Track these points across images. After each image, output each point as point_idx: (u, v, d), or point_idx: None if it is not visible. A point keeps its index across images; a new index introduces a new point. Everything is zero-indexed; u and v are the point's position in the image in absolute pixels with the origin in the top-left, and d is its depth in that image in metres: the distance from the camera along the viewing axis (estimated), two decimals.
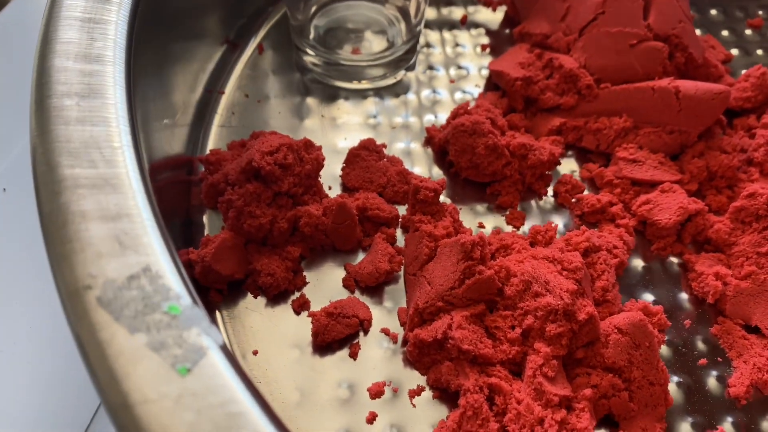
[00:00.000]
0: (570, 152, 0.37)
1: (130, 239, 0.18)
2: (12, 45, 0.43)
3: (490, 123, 0.34)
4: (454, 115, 0.36)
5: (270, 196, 0.30)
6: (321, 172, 0.34)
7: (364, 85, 0.39)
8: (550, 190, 0.35)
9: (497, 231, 0.33)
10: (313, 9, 0.38)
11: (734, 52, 0.44)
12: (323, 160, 0.32)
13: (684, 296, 0.32)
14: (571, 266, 0.28)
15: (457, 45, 0.42)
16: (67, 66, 0.22)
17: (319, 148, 0.32)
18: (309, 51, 0.38)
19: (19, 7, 0.44)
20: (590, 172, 0.36)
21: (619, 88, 0.35)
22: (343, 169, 0.35)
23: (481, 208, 0.35)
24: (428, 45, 0.42)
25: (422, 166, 0.36)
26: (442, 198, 0.35)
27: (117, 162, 0.20)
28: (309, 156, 0.31)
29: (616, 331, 0.28)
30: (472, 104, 0.37)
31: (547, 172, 0.35)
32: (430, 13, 0.44)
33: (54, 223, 0.19)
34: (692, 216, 0.33)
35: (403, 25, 0.39)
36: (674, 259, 0.33)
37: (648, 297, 0.32)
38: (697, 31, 0.45)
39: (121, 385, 0.16)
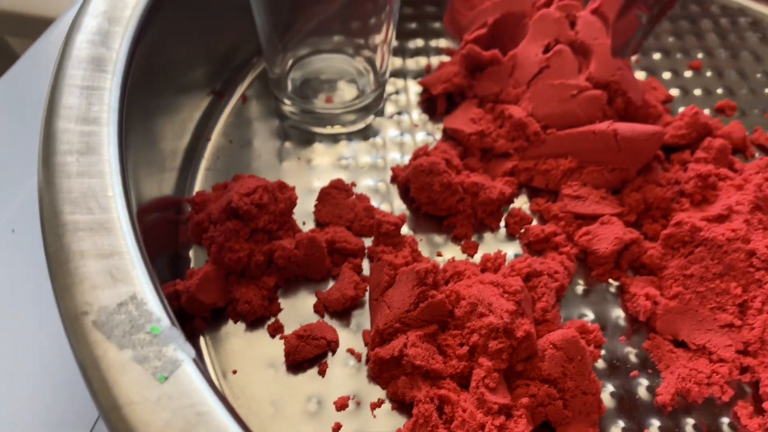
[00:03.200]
0: (522, 189, 0.41)
1: (120, 273, 0.22)
2: (19, 97, 0.47)
3: (446, 163, 0.38)
4: (415, 156, 0.40)
5: (248, 233, 0.34)
6: (296, 209, 0.38)
7: (336, 129, 0.43)
8: (502, 223, 0.39)
9: (452, 259, 0.37)
10: (290, 63, 0.43)
11: (675, 92, 0.48)
12: (296, 199, 0.36)
13: (621, 315, 0.36)
14: (511, 289, 0.32)
15: (423, 92, 0.46)
16: (69, 128, 0.26)
17: (293, 188, 0.36)
18: (286, 101, 0.43)
19: (29, 63, 0.49)
20: (539, 206, 0.40)
21: (563, 133, 0.40)
22: (315, 206, 0.39)
23: (439, 239, 0.38)
24: (396, 92, 0.46)
25: (388, 202, 0.40)
26: (405, 230, 0.39)
27: (110, 209, 0.24)
28: (283, 196, 0.35)
29: (551, 346, 0.31)
30: (432, 146, 0.41)
31: (499, 209, 0.39)
32: (398, 63, 0.48)
33: (57, 261, 0.23)
34: (628, 245, 0.37)
35: (371, 75, 0.44)
36: (613, 282, 0.37)
37: (589, 316, 0.36)
38: (642, 74, 0.49)
39: (111, 391, 0.20)
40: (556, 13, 0.41)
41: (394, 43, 0.49)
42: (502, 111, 0.40)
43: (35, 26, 0.59)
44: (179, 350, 0.21)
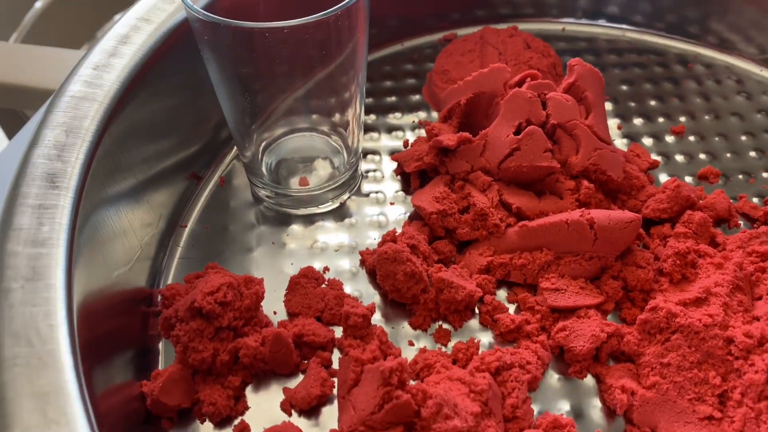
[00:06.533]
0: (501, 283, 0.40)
1: (55, 413, 0.22)
2: None
3: (412, 250, 0.38)
4: (383, 241, 0.40)
5: (212, 331, 0.34)
6: (269, 297, 0.38)
7: (311, 210, 0.43)
8: (475, 320, 0.38)
9: (424, 349, 0.36)
10: (262, 146, 0.43)
11: (657, 158, 0.47)
12: (263, 293, 0.36)
13: (599, 406, 0.35)
14: (478, 389, 0.32)
15: (399, 167, 0.46)
16: (17, 251, 0.26)
17: (260, 281, 0.36)
18: (260, 185, 0.43)
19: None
20: (516, 295, 0.39)
21: (535, 224, 0.39)
22: (285, 295, 0.38)
23: (410, 327, 0.38)
24: (375, 169, 0.46)
25: (362, 287, 0.40)
26: (378, 317, 0.38)
27: (52, 339, 0.24)
28: (248, 291, 0.35)
29: None
30: (404, 225, 0.41)
31: (465, 308, 0.38)
32: (376, 138, 0.48)
33: None
34: (607, 339, 0.36)
35: (344, 152, 0.44)
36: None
37: (564, 408, 0.35)
38: (624, 141, 0.49)
39: None
40: (527, 93, 0.41)
41: (371, 118, 0.50)
42: (469, 193, 0.40)
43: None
44: None
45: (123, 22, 0.37)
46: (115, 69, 0.35)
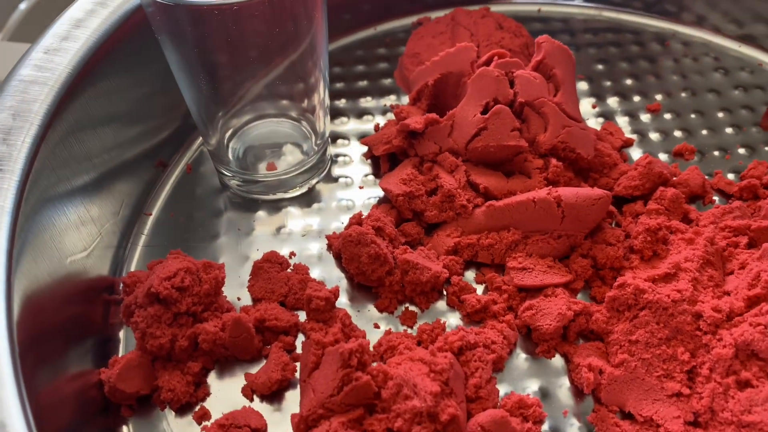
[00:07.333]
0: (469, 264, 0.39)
1: None
2: None
3: (377, 232, 0.37)
4: (350, 224, 0.39)
5: (170, 317, 0.33)
6: (233, 285, 0.38)
7: (279, 195, 0.43)
8: (443, 301, 0.38)
9: (389, 331, 0.36)
10: (228, 133, 0.42)
11: (633, 136, 0.46)
12: (223, 277, 0.35)
13: (567, 385, 0.34)
14: (438, 368, 0.31)
15: (368, 151, 0.45)
16: None
17: (221, 266, 0.36)
18: (226, 173, 0.42)
19: None
20: (484, 276, 0.38)
21: (502, 204, 0.38)
22: (249, 281, 0.38)
23: (375, 310, 0.37)
24: (344, 154, 0.46)
25: (329, 271, 0.39)
26: (344, 301, 0.38)
27: None
28: (208, 276, 0.35)
29: (479, 428, 0.30)
30: (371, 209, 0.40)
31: (432, 290, 0.37)
32: (346, 122, 0.48)
33: None
34: (573, 319, 0.35)
35: (313, 138, 0.43)
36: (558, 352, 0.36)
37: (531, 388, 0.34)
38: (599, 120, 0.48)
39: None
40: (494, 72, 0.40)
41: (342, 102, 0.49)
42: (437, 175, 0.39)
43: None
44: None
45: (77, 6, 0.36)
46: (67, 53, 0.34)
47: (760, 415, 0.29)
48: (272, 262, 0.38)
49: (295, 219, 0.42)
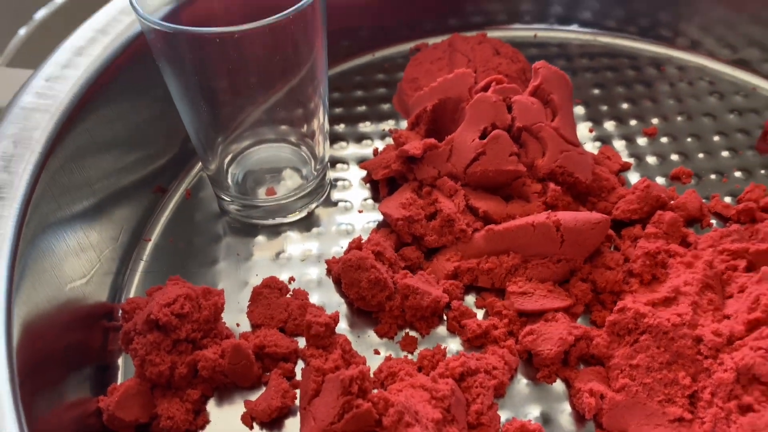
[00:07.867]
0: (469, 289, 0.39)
1: None
2: None
3: (377, 257, 0.37)
4: (350, 248, 0.39)
5: (170, 344, 0.33)
6: (233, 310, 0.37)
7: (278, 220, 0.43)
8: (443, 326, 0.37)
9: (389, 357, 0.36)
10: (228, 159, 0.43)
11: (631, 160, 0.47)
12: (222, 304, 0.35)
13: (568, 410, 0.34)
14: (439, 395, 0.31)
15: (367, 175, 0.45)
16: None
17: (220, 293, 0.35)
18: (226, 198, 0.42)
19: None
20: (484, 300, 0.38)
21: (501, 228, 0.38)
22: (248, 307, 0.38)
23: (376, 335, 0.37)
24: (344, 178, 0.46)
25: (328, 296, 0.39)
26: (344, 326, 0.38)
27: None
28: (207, 302, 0.34)
29: None
30: (371, 233, 0.40)
31: (432, 315, 0.37)
32: (345, 147, 0.48)
33: None
34: (574, 344, 0.35)
35: (313, 162, 0.43)
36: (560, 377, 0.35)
37: (533, 414, 0.34)
38: (596, 144, 0.48)
39: None
40: (492, 97, 0.41)
41: (341, 127, 0.49)
42: (436, 199, 0.40)
43: None
44: None
45: (79, 35, 0.36)
46: (68, 80, 0.34)
47: None
48: (271, 287, 0.38)
49: (295, 244, 0.42)
